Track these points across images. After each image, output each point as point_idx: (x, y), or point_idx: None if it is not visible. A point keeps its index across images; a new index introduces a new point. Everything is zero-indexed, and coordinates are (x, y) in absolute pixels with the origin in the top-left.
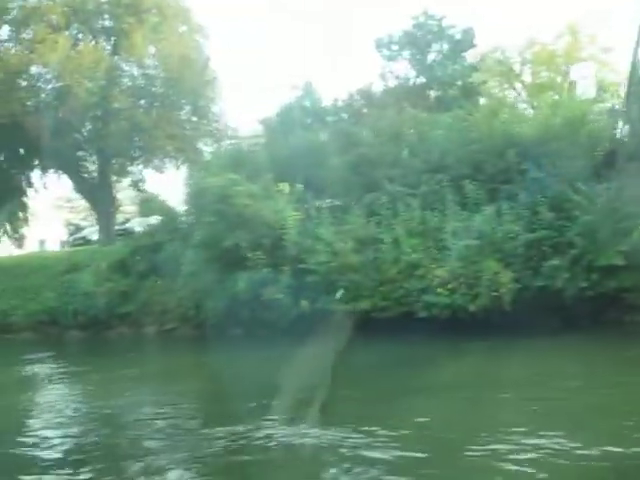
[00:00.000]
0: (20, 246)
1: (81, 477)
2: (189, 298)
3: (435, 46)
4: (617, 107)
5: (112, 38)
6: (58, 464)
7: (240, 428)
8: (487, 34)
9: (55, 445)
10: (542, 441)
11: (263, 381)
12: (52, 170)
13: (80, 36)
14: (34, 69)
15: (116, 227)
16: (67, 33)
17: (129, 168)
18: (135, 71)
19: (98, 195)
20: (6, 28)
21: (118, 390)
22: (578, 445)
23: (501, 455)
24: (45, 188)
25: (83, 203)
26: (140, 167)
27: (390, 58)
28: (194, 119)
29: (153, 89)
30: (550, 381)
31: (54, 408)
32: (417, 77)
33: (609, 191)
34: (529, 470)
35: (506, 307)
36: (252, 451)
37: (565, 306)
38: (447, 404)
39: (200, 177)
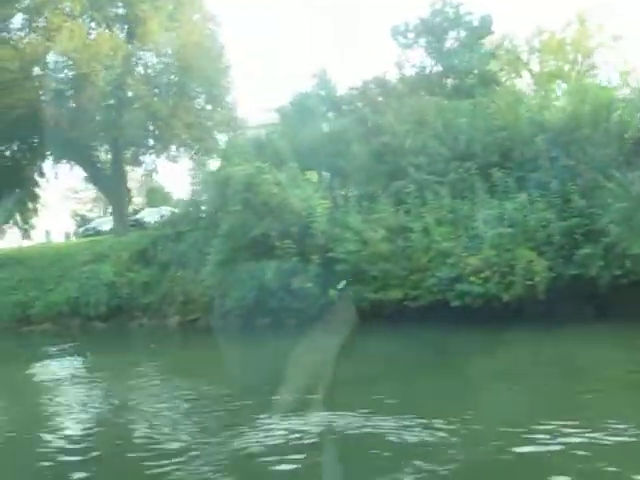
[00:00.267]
0: (27, 237)
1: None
2: (215, 288)
3: (452, 33)
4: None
5: (126, 26)
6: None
7: (298, 419)
8: (495, 22)
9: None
10: None
11: (297, 370)
12: (64, 160)
13: (93, 24)
14: (50, 57)
15: None
16: (80, 21)
17: (141, 158)
18: (151, 59)
19: (111, 185)
20: (19, 16)
21: (152, 383)
22: None
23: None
24: (56, 178)
25: (90, 194)
26: (153, 157)
27: (406, 46)
28: (209, 108)
29: (169, 77)
30: (600, 369)
31: (91, 404)
32: (434, 65)
33: None
34: None
35: (540, 296)
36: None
37: (598, 294)
38: (514, 394)
39: (221, 166)
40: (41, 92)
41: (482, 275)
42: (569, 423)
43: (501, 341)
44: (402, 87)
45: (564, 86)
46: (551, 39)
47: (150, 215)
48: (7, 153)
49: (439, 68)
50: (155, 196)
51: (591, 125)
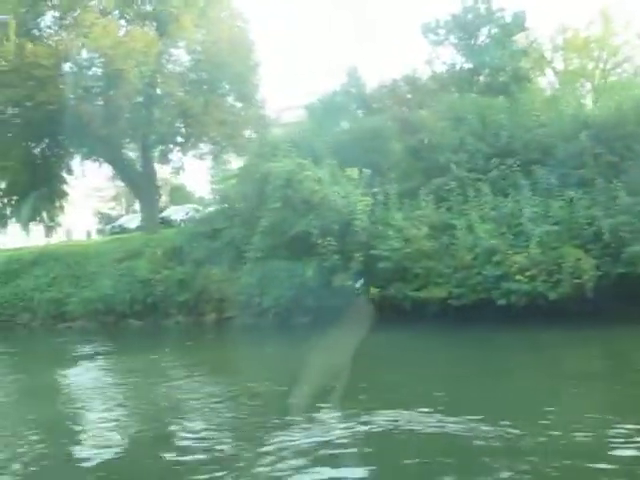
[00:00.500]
0: (49, 235)
1: None
2: (253, 286)
3: (484, 30)
4: None
5: (155, 23)
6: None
7: (362, 416)
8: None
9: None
10: None
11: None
12: (93, 157)
13: (122, 22)
14: (83, 54)
15: None
16: (110, 17)
17: (169, 155)
18: (182, 56)
19: (141, 183)
20: (50, 14)
21: (202, 381)
22: None
23: None
24: (84, 176)
25: (110, 192)
26: (179, 155)
27: (437, 43)
28: (239, 105)
29: (200, 74)
30: None
31: (149, 404)
32: (465, 62)
33: None
34: None
35: (588, 294)
36: (389, 438)
37: None
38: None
39: (253, 163)
40: (74, 89)
41: (528, 273)
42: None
43: (550, 340)
44: (433, 84)
45: (595, 84)
46: (575, 37)
47: (176, 213)
48: (36, 150)
49: (469, 65)
50: (178, 194)
51: (635, 121)
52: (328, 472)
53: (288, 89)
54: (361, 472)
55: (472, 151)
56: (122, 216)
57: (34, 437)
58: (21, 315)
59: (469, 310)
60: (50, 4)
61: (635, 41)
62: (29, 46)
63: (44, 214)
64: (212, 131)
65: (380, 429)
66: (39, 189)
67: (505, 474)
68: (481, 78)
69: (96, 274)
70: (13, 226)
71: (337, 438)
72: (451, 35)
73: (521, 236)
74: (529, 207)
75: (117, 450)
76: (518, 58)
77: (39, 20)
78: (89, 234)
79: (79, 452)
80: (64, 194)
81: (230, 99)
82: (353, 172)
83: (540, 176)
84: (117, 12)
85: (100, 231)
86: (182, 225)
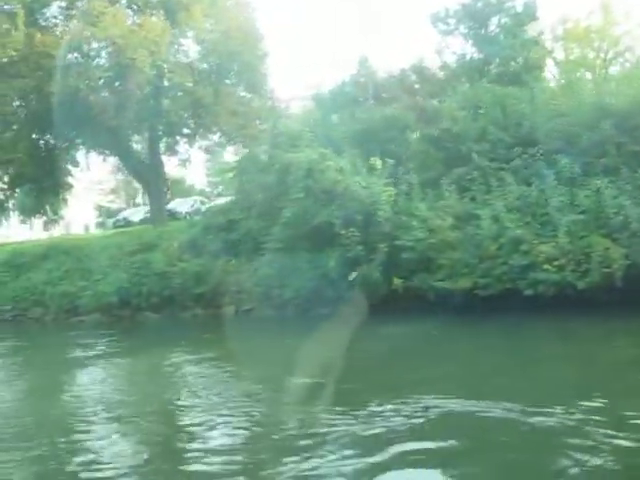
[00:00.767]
0: (48, 228)
1: None
2: (273, 277)
3: (494, 19)
4: None
5: (162, 11)
6: None
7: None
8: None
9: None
10: None
11: (379, 360)
12: (99, 150)
13: (130, 11)
14: (93, 44)
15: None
16: (117, 6)
17: (176, 147)
18: (191, 46)
19: (149, 175)
20: (56, 4)
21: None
22: None
23: None
24: (89, 169)
25: (109, 185)
26: (186, 147)
27: (446, 33)
28: (249, 95)
29: (210, 64)
30: None
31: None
32: (476, 52)
33: None
34: None
35: (617, 284)
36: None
37: None
38: None
39: (272, 154)
40: (83, 79)
41: (556, 263)
42: None
43: (581, 329)
44: (443, 74)
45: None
46: (576, 27)
47: (181, 205)
48: (41, 142)
49: (479, 55)
50: (177, 188)
51: None
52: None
53: (294, 80)
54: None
55: (493, 140)
56: (123, 209)
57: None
58: (33, 309)
59: (495, 300)
60: None
61: (636, 31)
62: (38, 36)
63: (47, 207)
64: (223, 122)
65: (441, 415)
66: (44, 181)
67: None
68: (492, 68)
69: (109, 267)
70: (11, 219)
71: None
72: (461, 25)
73: (547, 225)
74: (556, 196)
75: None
76: (529, 47)
77: (46, 10)
78: (87, 228)
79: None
80: (69, 187)
81: (239, 89)
82: (376, 162)
83: (563, 165)
84: (125, 1)
85: (101, 224)
86: (188, 218)
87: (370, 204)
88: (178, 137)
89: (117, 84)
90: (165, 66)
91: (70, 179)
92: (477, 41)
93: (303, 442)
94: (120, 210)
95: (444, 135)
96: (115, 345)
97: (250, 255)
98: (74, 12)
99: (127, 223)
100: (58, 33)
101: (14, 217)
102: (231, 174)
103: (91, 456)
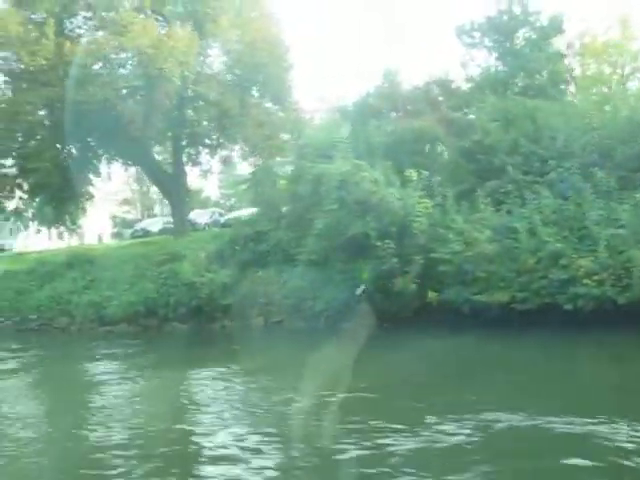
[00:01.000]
0: (62, 237)
1: None
2: (304, 289)
3: (520, 33)
4: None
5: (191, 22)
6: None
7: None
8: None
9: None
10: None
11: (421, 374)
12: (122, 160)
13: (154, 21)
14: (115, 55)
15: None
16: (143, 16)
17: (199, 158)
18: (218, 56)
19: (172, 185)
20: (85, 14)
21: (281, 386)
22: None
23: None
24: (109, 179)
25: (122, 196)
26: (208, 157)
27: (471, 46)
28: (274, 107)
29: (236, 75)
30: None
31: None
32: (501, 65)
33: None
34: None
35: None
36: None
37: None
38: None
39: (299, 164)
40: (112, 88)
41: (596, 277)
42: None
43: (622, 344)
44: (467, 87)
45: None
46: (593, 42)
47: (200, 216)
48: (65, 151)
49: (504, 68)
50: (195, 198)
51: None
52: None
53: (318, 91)
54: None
55: (526, 153)
56: (138, 220)
57: None
58: (59, 319)
59: (533, 315)
60: (85, 3)
61: None
62: (67, 45)
63: (66, 217)
64: (249, 133)
65: (500, 430)
66: (66, 191)
67: None
68: (517, 81)
69: (136, 277)
70: (30, 228)
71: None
72: (486, 38)
73: (586, 239)
74: (593, 210)
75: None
76: (555, 61)
77: (73, 20)
78: (100, 238)
79: None
80: (90, 196)
81: (264, 101)
82: (411, 174)
83: (599, 179)
84: (150, 12)
85: (117, 235)
86: (206, 228)
87: (404, 216)
88: (200, 147)
89: (145, 94)
90: (191, 76)
91: (94, 188)
92: (502, 54)
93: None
94: (136, 221)
95: (476, 147)
96: (144, 357)
97: (279, 266)
98: (103, 21)
99: (145, 233)
100: (85, 42)
101: (33, 226)
102: (244, 186)
103: None
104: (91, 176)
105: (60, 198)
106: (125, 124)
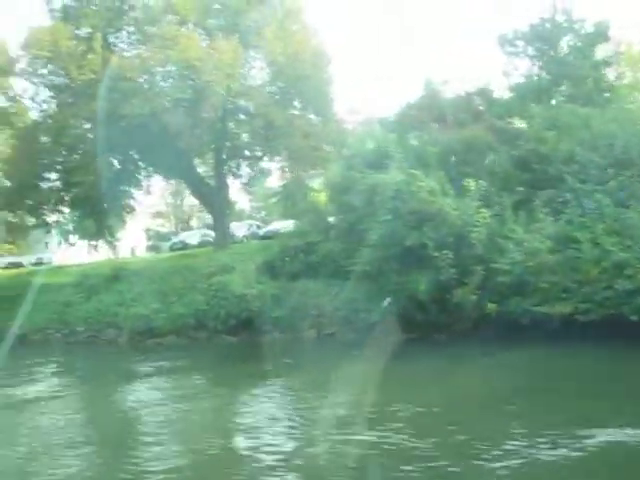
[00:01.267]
0: (96, 250)
1: None
2: (359, 300)
3: (564, 40)
4: None
5: (235, 35)
6: None
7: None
8: None
9: None
10: None
11: (491, 389)
12: (164, 172)
13: (196, 34)
14: (162, 67)
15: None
16: (185, 29)
17: (240, 170)
18: (262, 69)
19: (214, 198)
20: (129, 28)
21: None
22: None
23: None
24: (149, 192)
25: (159, 209)
26: (247, 169)
27: (514, 54)
28: (318, 118)
29: (279, 87)
30: None
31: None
32: (544, 73)
33: None
34: None
35: None
36: None
37: None
38: None
39: (346, 175)
40: (160, 101)
41: None
42: None
43: None
44: (510, 96)
45: None
46: (629, 50)
47: (238, 229)
48: (108, 164)
49: (547, 76)
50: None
51: None
52: None
53: (356, 102)
54: None
55: (583, 162)
56: (173, 233)
57: None
58: (106, 331)
59: (597, 326)
60: (129, 18)
61: None
62: (114, 59)
63: (105, 231)
64: (295, 144)
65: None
66: (108, 204)
67: None
68: (562, 89)
69: (184, 289)
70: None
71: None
72: (529, 46)
73: None
74: None
75: None
76: (600, 68)
77: (118, 34)
78: (133, 251)
79: None
80: (131, 209)
81: (307, 112)
82: (469, 183)
83: None
84: (192, 25)
85: (153, 248)
86: (244, 241)
87: (461, 226)
88: (241, 160)
89: (191, 107)
90: (236, 88)
91: (135, 201)
92: (546, 62)
93: None
94: (170, 234)
95: (529, 156)
96: (200, 372)
97: (330, 278)
98: (148, 35)
99: (184, 246)
100: (130, 56)
101: (73, 239)
102: (275, 199)
103: None
104: (132, 189)
105: (101, 211)
106: (170, 137)
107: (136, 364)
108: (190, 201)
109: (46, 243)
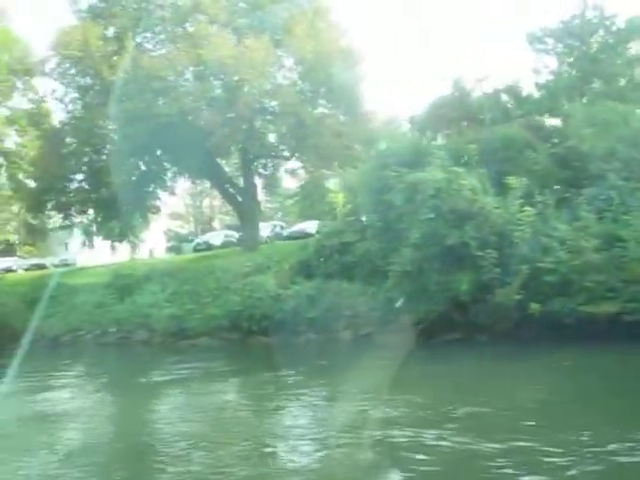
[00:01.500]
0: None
1: None
2: (396, 300)
3: (595, 37)
4: None
5: (267, 33)
6: None
7: None
8: None
9: None
10: None
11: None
12: (190, 173)
13: (226, 33)
14: (194, 67)
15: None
16: (215, 28)
17: (266, 170)
18: (292, 67)
19: (243, 198)
20: (160, 27)
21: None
22: None
23: None
24: (174, 193)
25: (177, 210)
26: (272, 169)
27: (544, 52)
28: (348, 117)
29: (310, 86)
30: None
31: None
32: (575, 70)
33: None
34: None
35: None
36: None
37: None
38: None
39: (381, 174)
40: (193, 100)
41: None
42: None
43: None
44: (539, 93)
45: None
46: None
47: (262, 229)
48: (135, 165)
49: (577, 73)
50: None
51: None
52: None
53: (384, 101)
54: None
55: (625, 159)
56: (194, 234)
57: None
58: (138, 332)
59: (632, 326)
60: (158, 17)
61: None
62: (145, 58)
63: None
64: (327, 143)
65: None
66: (134, 205)
67: None
68: (594, 86)
69: (218, 290)
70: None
71: None
72: (559, 43)
73: None
74: None
75: None
76: (634, 65)
77: (147, 34)
78: (152, 252)
79: None
80: (157, 210)
81: (338, 112)
82: (512, 181)
83: None
84: (222, 24)
85: (174, 249)
86: (268, 241)
87: (504, 224)
88: (268, 160)
89: (223, 106)
90: (267, 87)
91: (160, 202)
92: (577, 59)
93: None
94: (190, 234)
95: (569, 154)
96: (237, 376)
97: (367, 278)
98: (179, 34)
99: (208, 247)
100: (160, 55)
101: (98, 240)
102: (291, 200)
103: None
104: (158, 190)
105: (126, 212)
106: (197, 137)
107: (170, 365)
108: (209, 202)
109: (66, 244)
